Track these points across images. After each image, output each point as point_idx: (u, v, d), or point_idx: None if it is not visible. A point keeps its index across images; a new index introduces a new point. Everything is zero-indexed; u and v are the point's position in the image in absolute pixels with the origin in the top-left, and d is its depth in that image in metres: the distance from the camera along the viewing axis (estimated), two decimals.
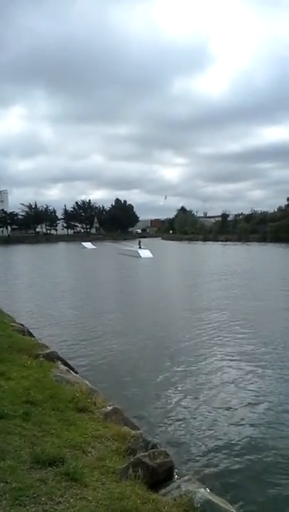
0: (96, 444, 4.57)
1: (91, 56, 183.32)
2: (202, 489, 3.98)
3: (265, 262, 40.11)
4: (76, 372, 7.88)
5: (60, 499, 3.41)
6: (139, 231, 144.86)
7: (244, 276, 28.50)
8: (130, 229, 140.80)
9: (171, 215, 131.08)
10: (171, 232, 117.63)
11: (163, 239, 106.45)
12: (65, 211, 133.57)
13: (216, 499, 3.91)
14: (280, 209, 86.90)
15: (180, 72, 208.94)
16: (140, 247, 56.65)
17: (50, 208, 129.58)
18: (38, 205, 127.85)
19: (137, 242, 61.79)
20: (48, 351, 7.99)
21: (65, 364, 7.91)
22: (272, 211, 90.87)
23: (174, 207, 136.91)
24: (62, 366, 7.33)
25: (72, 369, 8.01)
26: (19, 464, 3.79)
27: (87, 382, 6.85)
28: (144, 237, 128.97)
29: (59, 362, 7.64)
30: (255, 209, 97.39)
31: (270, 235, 76.27)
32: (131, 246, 61.63)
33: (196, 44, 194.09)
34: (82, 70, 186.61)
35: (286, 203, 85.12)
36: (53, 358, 7.69)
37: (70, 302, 20.52)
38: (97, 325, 14.73)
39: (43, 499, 3.38)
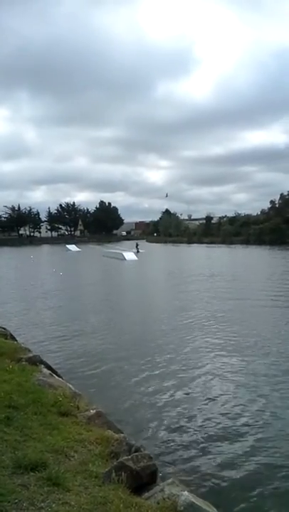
0: (79, 448, 4.53)
1: (75, 59, 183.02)
2: (185, 492, 3.97)
3: (248, 264, 40.44)
4: (59, 376, 7.80)
5: (42, 504, 3.37)
6: (124, 233, 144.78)
7: (226, 277, 28.69)
8: (115, 231, 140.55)
9: (156, 217, 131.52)
10: (155, 234, 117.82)
11: (148, 241, 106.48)
12: (49, 213, 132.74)
13: (200, 502, 3.91)
14: (263, 212, 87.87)
15: (164, 76, 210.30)
16: (138, 251, 58.38)
17: (33, 210, 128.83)
18: (22, 208, 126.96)
19: (127, 243, 62.33)
20: (30, 355, 7.91)
21: (48, 368, 7.83)
22: (255, 214, 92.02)
23: (159, 209, 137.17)
24: (45, 370, 7.25)
25: (56, 373, 7.93)
26: (0, 470, 3.74)
27: (70, 386, 6.79)
28: (129, 239, 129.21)
29: (42, 366, 7.55)
30: (239, 212, 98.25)
31: (254, 237, 76.97)
32: (128, 249, 61.51)
33: (180, 48, 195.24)
34: (67, 73, 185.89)
35: (269, 205, 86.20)
36: (35, 361, 7.61)
37: (54, 305, 20.37)
38: (81, 328, 14.67)
39: (24, 504, 3.34)
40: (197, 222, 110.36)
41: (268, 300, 18.97)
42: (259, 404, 7.82)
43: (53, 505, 3.38)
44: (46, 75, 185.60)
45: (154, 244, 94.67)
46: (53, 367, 8.56)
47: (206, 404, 7.92)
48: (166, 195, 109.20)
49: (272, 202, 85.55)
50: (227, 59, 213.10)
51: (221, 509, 4.46)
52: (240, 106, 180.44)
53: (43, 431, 4.69)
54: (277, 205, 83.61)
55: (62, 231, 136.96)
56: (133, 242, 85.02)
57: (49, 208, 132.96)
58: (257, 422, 7.13)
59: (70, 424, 5.08)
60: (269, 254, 52.45)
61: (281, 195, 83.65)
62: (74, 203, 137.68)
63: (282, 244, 66.85)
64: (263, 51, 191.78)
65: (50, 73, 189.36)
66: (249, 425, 7.01)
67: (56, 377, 7.33)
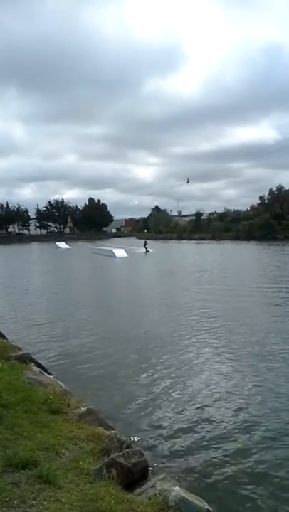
0: (70, 445, 4.54)
1: (64, 56, 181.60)
2: (177, 487, 4.00)
3: (238, 260, 40.63)
4: (50, 374, 7.79)
5: (33, 502, 3.38)
6: (114, 230, 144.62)
7: (216, 273, 28.80)
8: (104, 228, 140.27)
9: (146, 214, 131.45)
10: (145, 231, 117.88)
11: (137, 238, 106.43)
12: (38, 211, 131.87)
13: (191, 497, 3.94)
14: (252, 208, 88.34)
15: (153, 72, 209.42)
16: (147, 250, 55.43)
17: (22, 207, 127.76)
18: (10, 205, 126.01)
19: (117, 240, 60.69)
20: (20, 353, 7.89)
21: (39, 366, 7.81)
22: (245, 210, 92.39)
23: (148, 206, 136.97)
24: (35, 368, 7.23)
25: (46, 370, 7.92)
26: None
27: (61, 384, 6.79)
28: (119, 236, 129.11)
29: (32, 364, 7.53)
30: (229, 208, 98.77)
31: (243, 233, 77.32)
32: (136, 247, 59.15)
33: (168, 44, 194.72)
34: (55, 70, 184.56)
35: (258, 201, 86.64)
36: (25, 359, 7.59)
37: (44, 303, 20.28)
38: (72, 325, 14.61)
39: (15, 502, 3.34)
40: (187, 219, 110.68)
41: (259, 294, 19.11)
42: (252, 400, 7.86)
43: (44, 503, 3.39)
44: (34, 72, 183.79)
45: (142, 241, 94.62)
46: (43, 365, 8.54)
47: (198, 400, 7.94)
48: (188, 181, 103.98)
49: (261, 198, 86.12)
50: (215, 55, 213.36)
51: (212, 504, 4.49)
52: (228, 102, 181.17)
53: (33, 429, 4.69)
54: (266, 201, 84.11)
55: (51, 228, 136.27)
56: (124, 239, 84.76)
57: (38, 205, 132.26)
58: (250, 418, 7.15)
59: (60, 421, 5.08)
60: (258, 250, 52.77)
61: (270, 190, 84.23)
62: (63, 199, 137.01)
63: (272, 239, 67.36)
64: (251, 47, 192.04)
65: (38, 70, 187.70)
66: (242, 421, 7.03)
67: (46, 375, 7.33)
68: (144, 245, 57.86)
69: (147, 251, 55.96)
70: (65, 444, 4.51)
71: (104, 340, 12.41)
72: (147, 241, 61.79)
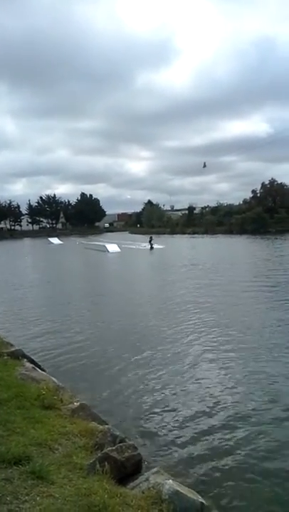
0: (63, 440, 4.53)
1: (55, 50, 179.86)
2: (170, 481, 4.01)
3: (232, 254, 40.72)
4: (43, 370, 7.77)
5: (26, 498, 3.38)
6: (107, 225, 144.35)
7: (209, 267, 28.87)
8: (97, 223, 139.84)
9: (138, 208, 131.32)
10: (138, 226, 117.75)
11: (130, 233, 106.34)
12: (30, 206, 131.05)
13: (184, 490, 3.95)
14: (245, 201, 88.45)
15: (145, 66, 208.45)
16: (152, 247, 50.89)
17: (13, 203, 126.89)
18: (2, 201, 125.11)
19: (110, 235, 58.72)
20: (12, 349, 7.87)
21: (31, 362, 7.79)
22: (237, 203, 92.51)
23: (141, 201, 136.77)
24: (28, 364, 7.21)
25: (39, 366, 7.90)
26: None
27: (54, 379, 6.77)
28: (112, 231, 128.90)
29: (24, 360, 7.52)
30: (221, 201, 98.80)
31: (236, 227, 77.46)
32: (143, 243, 54.17)
33: (160, 38, 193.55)
34: (46, 65, 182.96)
35: (251, 195, 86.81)
36: (18, 356, 7.57)
37: (37, 298, 20.24)
38: (64, 320, 14.58)
39: (8, 498, 3.33)
40: (179, 213, 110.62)
41: (251, 287, 19.19)
42: (245, 392, 7.91)
43: (37, 498, 3.39)
44: (26, 67, 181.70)
45: (138, 235, 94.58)
46: (36, 361, 8.52)
47: (192, 393, 7.97)
48: (204, 165, 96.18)
49: (253, 191, 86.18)
50: (207, 49, 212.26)
51: (206, 496, 4.52)
52: (220, 95, 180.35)
53: (26, 425, 4.67)
54: (258, 195, 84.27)
55: (43, 224, 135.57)
56: (117, 234, 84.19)
57: (29, 201, 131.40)
58: (243, 410, 7.19)
59: (53, 417, 5.07)
60: (250, 243, 52.92)
61: (262, 184, 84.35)
62: (55, 195, 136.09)
63: (264, 233, 67.59)
64: (243, 40, 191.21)
65: (29, 65, 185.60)
66: (236, 414, 7.07)
67: (39, 370, 7.31)
68: (150, 241, 52.77)
69: (152, 247, 51.44)
70: (58, 440, 4.50)
71: (97, 336, 12.42)
72: (153, 236, 55.62)
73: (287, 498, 4.93)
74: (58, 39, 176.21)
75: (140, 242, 58.90)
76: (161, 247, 51.87)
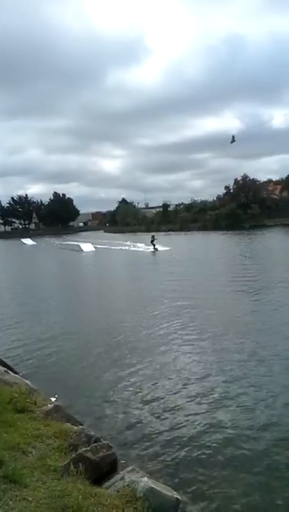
0: (36, 443, 4.48)
1: (24, 49, 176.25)
2: (145, 478, 4.01)
3: (209, 249, 41.06)
4: (15, 373, 7.65)
5: None
6: (81, 225, 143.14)
7: (183, 262, 29.02)
8: (71, 223, 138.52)
9: (113, 207, 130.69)
10: (107, 224, 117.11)
11: (105, 232, 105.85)
12: (1, 207, 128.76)
13: (160, 487, 3.96)
14: (218, 198, 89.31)
15: (116, 64, 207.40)
16: (155, 247, 41.45)
17: None
18: None
19: (84, 235, 57.57)
20: None
21: (3, 365, 7.66)
22: (211, 200, 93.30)
23: (115, 199, 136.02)
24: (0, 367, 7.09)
25: (11, 369, 7.77)
26: None
27: (27, 382, 6.69)
28: (86, 230, 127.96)
29: None
30: (195, 198, 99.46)
31: (211, 223, 78.18)
32: (147, 245, 43.66)
33: (131, 37, 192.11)
34: (15, 63, 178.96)
35: (224, 191, 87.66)
36: None
37: (9, 301, 19.90)
38: (37, 322, 14.41)
39: None
40: (154, 211, 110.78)
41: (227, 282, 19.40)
42: (219, 386, 7.99)
43: (10, 503, 3.35)
44: None
45: (113, 234, 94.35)
46: (9, 363, 8.38)
47: (166, 392, 7.98)
48: (233, 139, 76.87)
49: (226, 188, 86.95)
50: (177, 47, 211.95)
51: (181, 492, 4.55)
52: (191, 93, 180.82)
53: None
54: (231, 191, 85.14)
55: (16, 225, 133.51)
56: (91, 233, 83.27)
57: (0, 202, 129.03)
58: (218, 410, 7.23)
59: (27, 420, 5.01)
60: (224, 239, 53.47)
61: (235, 180, 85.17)
62: (27, 195, 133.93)
63: (238, 228, 68.46)
64: (213, 38, 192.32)
65: None
66: (210, 410, 7.13)
67: (12, 373, 7.19)
68: (152, 241, 42.67)
69: (155, 249, 41.35)
70: (31, 443, 4.45)
71: (71, 336, 12.32)
72: (155, 235, 45.25)
73: (263, 489, 5.01)
74: (26, 38, 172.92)
75: (135, 243, 50.56)
76: (166, 248, 41.08)
